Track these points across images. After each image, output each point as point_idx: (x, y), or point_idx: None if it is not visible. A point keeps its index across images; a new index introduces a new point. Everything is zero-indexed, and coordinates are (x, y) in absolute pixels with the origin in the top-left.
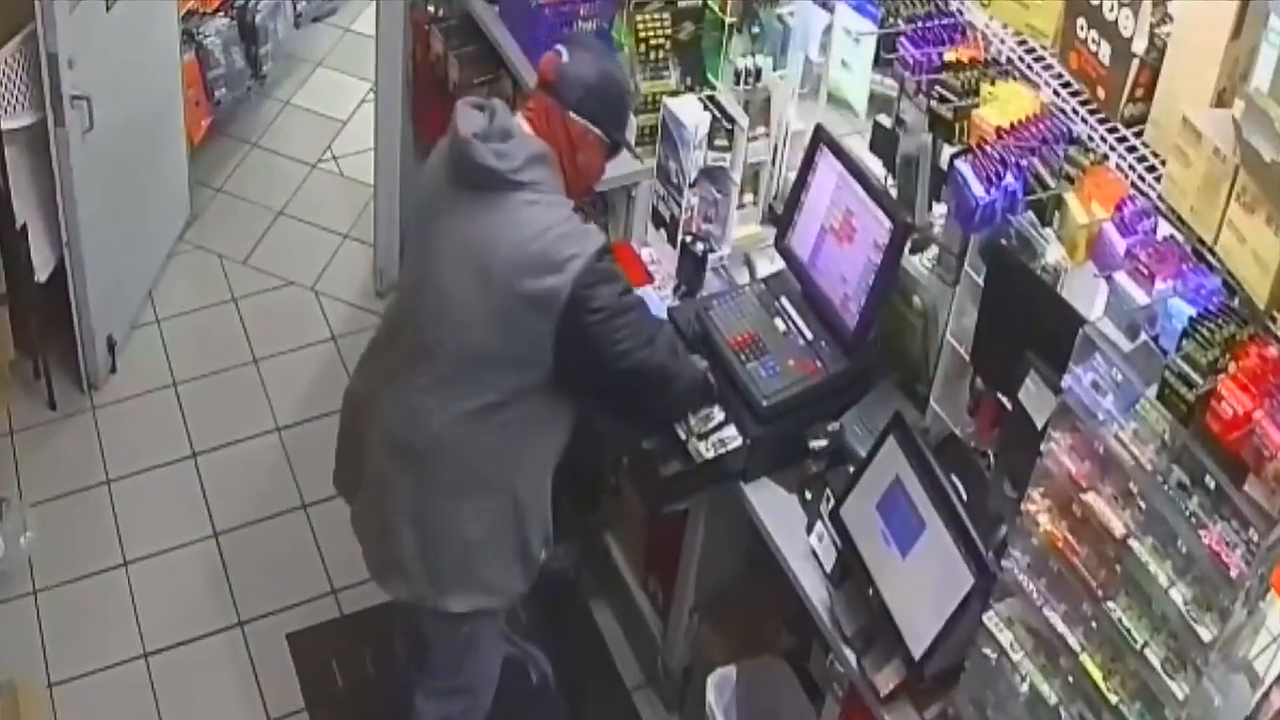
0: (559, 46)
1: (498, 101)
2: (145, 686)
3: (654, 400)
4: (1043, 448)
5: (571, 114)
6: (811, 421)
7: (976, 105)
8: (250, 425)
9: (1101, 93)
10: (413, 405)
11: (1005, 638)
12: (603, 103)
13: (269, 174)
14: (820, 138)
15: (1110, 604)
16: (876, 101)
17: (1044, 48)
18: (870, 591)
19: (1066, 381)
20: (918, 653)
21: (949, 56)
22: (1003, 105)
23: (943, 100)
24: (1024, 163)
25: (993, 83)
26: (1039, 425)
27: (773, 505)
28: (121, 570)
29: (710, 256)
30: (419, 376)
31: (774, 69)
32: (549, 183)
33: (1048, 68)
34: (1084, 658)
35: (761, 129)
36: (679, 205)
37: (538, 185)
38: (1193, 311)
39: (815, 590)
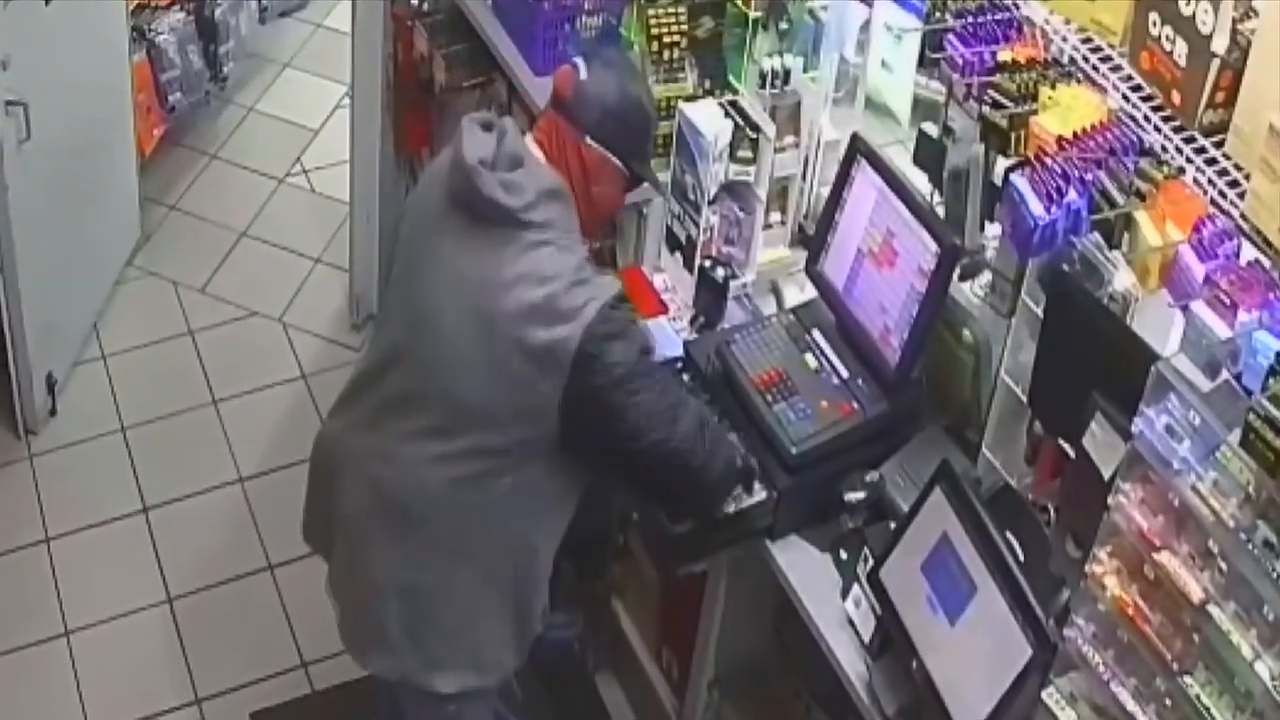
0: (577, 59)
1: (508, 121)
2: None
3: (674, 487)
4: (1110, 501)
5: (587, 139)
6: (847, 471)
7: (1035, 112)
8: (209, 476)
9: (1177, 97)
10: (402, 458)
11: (1068, 717)
12: (624, 129)
13: (230, 190)
14: (857, 149)
15: (1187, 679)
16: (921, 107)
17: (1112, 46)
18: (914, 664)
19: (1137, 426)
20: None
21: (1003, 56)
22: (1065, 112)
23: (996, 106)
24: (1089, 177)
25: (1053, 86)
26: (1106, 475)
27: (803, 566)
28: (63, 640)
29: (732, 284)
30: (408, 425)
31: (805, 70)
32: (562, 222)
33: (1116, 69)
34: None
35: (790, 138)
36: (697, 225)
37: (550, 225)
38: None
39: (851, 663)
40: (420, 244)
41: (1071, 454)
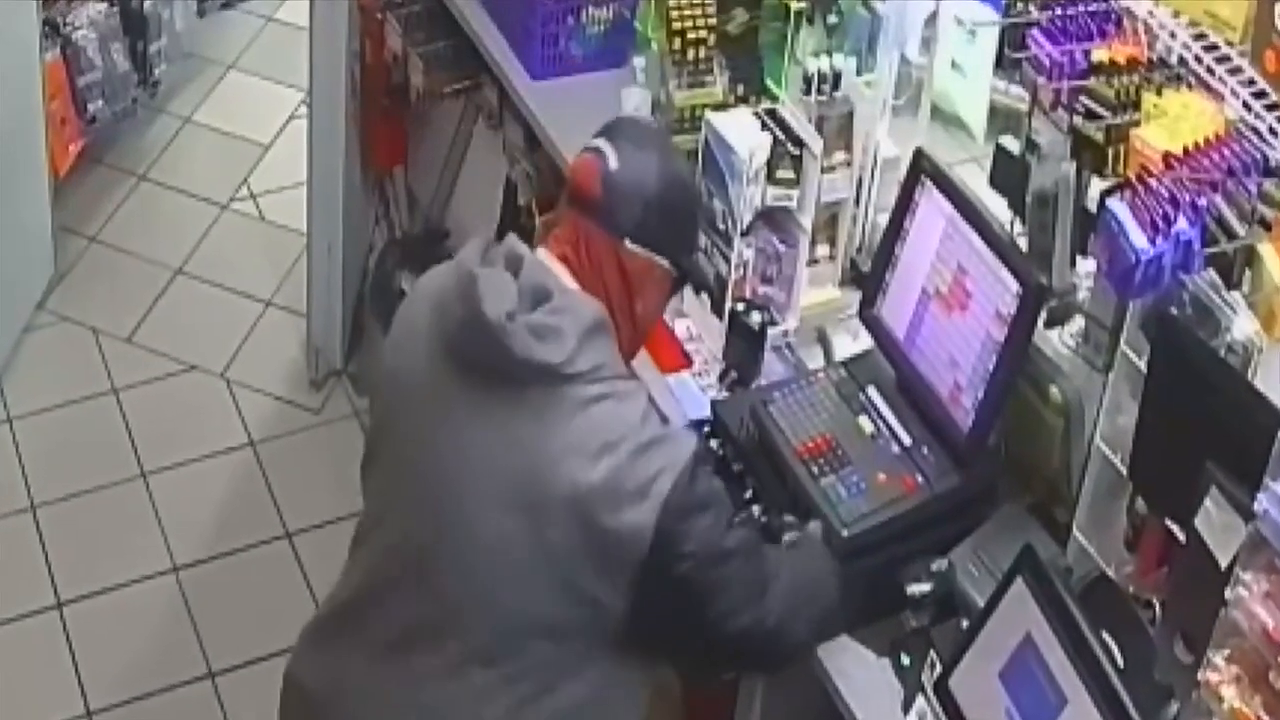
0: (598, 144)
1: (515, 242)
2: None
3: (763, 662)
4: (1228, 594)
5: (627, 244)
6: (910, 558)
7: (1137, 123)
8: (137, 564)
9: None
10: (433, 699)
11: None
12: (670, 221)
13: (162, 218)
14: (922, 168)
15: None
16: (999, 118)
17: (1230, 44)
18: None
19: (1261, 503)
20: None
21: (1099, 56)
22: (1173, 123)
23: (1090, 116)
24: (1202, 202)
25: (1159, 92)
26: (1223, 563)
27: (856, 673)
28: None
29: (770, 331)
30: (434, 656)
31: (858, 73)
32: (611, 362)
33: (1235, 71)
34: None
35: (840, 155)
36: (728, 261)
37: (599, 372)
38: None
39: None
40: (420, 424)
41: (1181, 538)
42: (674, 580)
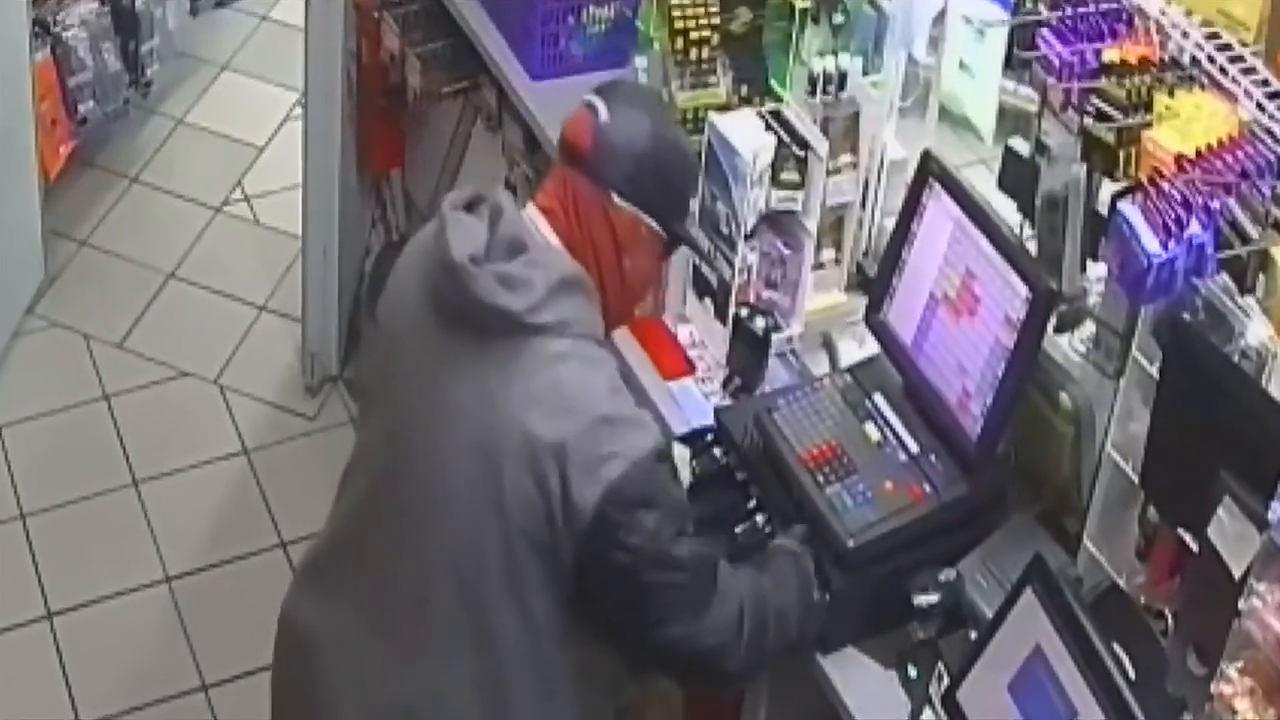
0: (590, 99)
1: (503, 195)
2: None
3: (693, 680)
4: (1242, 605)
5: (615, 199)
6: (917, 569)
7: (1149, 124)
8: (129, 574)
9: None
10: (414, 682)
11: None
12: (660, 180)
13: (154, 221)
14: (929, 170)
15: None
16: (1008, 119)
17: (1244, 44)
18: None
19: (1275, 512)
20: None
21: (1110, 56)
22: (1185, 124)
23: (1101, 117)
24: (1215, 205)
25: (1171, 93)
26: (1236, 574)
27: (862, 685)
28: None
29: (774, 337)
30: (409, 622)
31: (864, 73)
32: (582, 319)
33: (1249, 71)
34: None
35: (846, 158)
36: (731, 265)
37: (565, 327)
38: None
39: None
40: (402, 363)
41: (1194, 547)
42: (612, 568)
